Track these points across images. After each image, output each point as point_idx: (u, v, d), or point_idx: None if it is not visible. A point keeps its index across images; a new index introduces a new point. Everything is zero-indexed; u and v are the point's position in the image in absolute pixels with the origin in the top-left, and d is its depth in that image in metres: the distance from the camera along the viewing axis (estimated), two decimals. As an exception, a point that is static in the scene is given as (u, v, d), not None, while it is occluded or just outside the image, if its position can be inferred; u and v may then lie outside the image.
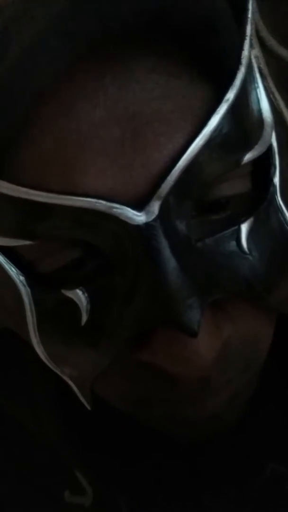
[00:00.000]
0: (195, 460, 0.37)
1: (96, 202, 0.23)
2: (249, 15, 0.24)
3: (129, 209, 0.23)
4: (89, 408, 0.30)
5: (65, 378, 0.29)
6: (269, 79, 0.27)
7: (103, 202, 0.23)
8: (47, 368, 0.30)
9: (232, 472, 0.37)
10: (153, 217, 0.24)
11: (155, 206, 0.24)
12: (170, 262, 0.24)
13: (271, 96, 0.27)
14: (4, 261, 0.26)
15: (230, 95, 0.24)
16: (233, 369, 0.28)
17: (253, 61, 0.26)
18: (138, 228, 0.24)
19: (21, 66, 0.23)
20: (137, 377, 0.28)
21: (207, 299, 0.25)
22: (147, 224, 0.24)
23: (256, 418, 0.37)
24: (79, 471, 0.37)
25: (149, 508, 0.38)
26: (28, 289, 0.27)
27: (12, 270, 0.27)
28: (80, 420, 0.35)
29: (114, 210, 0.23)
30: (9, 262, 0.26)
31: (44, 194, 0.23)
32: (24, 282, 0.27)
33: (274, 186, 0.27)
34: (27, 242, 0.25)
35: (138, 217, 0.24)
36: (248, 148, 0.25)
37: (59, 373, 0.29)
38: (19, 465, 0.38)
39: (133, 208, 0.24)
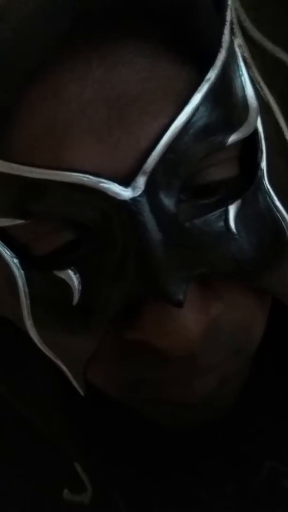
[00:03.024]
0: (193, 458, 0.37)
1: (84, 177, 0.24)
2: (229, 2, 0.25)
3: (116, 184, 0.24)
4: (82, 394, 0.30)
5: (58, 362, 0.30)
6: (254, 69, 0.28)
7: (91, 177, 0.24)
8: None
9: (230, 470, 0.37)
10: (139, 192, 0.24)
11: (141, 182, 0.24)
12: (156, 235, 0.25)
13: (257, 85, 0.28)
14: None
15: (211, 75, 0.25)
16: (223, 353, 0.28)
17: (237, 49, 0.27)
18: (125, 203, 0.24)
19: (11, 49, 0.24)
20: (127, 359, 0.28)
21: (193, 272, 0.25)
22: (133, 199, 0.24)
23: (253, 416, 0.37)
24: (80, 465, 0.37)
25: (148, 506, 0.38)
26: (22, 272, 0.27)
27: (6, 253, 0.27)
28: (83, 413, 0.35)
29: (102, 185, 0.24)
30: (3, 245, 0.27)
31: (34, 169, 0.24)
32: (18, 265, 0.27)
33: (262, 170, 0.27)
34: (19, 221, 0.26)
35: (125, 192, 0.24)
36: (233, 129, 0.26)
37: (52, 357, 0.29)
38: (18, 460, 0.38)
39: (120, 183, 0.24)
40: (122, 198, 0.24)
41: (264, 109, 0.28)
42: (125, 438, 0.36)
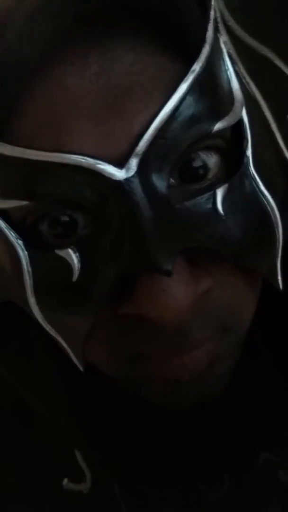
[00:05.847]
0: (192, 450, 0.38)
1: (82, 159, 0.27)
2: (212, 2, 0.28)
3: (111, 166, 0.27)
4: (81, 369, 0.32)
5: (59, 339, 0.31)
6: (240, 65, 0.30)
7: (89, 159, 0.27)
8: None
9: (226, 461, 0.38)
10: (132, 173, 0.27)
11: (133, 163, 0.27)
12: (148, 213, 0.27)
13: (243, 80, 0.30)
14: (4, 225, 0.29)
15: (196, 67, 0.27)
16: (211, 328, 0.30)
17: (222, 46, 0.29)
18: (119, 183, 0.27)
19: (17, 44, 0.27)
20: (123, 335, 0.30)
21: (182, 245, 0.27)
22: (127, 180, 0.27)
23: (248, 409, 0.38)
24: (81, 453, 0.38)
25: (145, 498, 0.39)
26: (26, 252, 0.29)
27: (11, 234, 0.29)
28: (86, 402, 0.37)
29: (98, 166, 0.27)
30: (9, 227, 0.29)
31: (37, 152, 0.27)
32: (22, 246, 0.29)
33: (247, 157, 0.29)
34: (24, 203, 0.28)
35: (119, 173, 0.27)
36: (218, 118, 0.28)
37: (53, 334, 0.31)
38: (19, 449, 0.40)
39: (115, 165, 0.27)
40: (116, 178, 0.27)
41: (251, 102, 0.30)
42: (126, 428, 0.37)
